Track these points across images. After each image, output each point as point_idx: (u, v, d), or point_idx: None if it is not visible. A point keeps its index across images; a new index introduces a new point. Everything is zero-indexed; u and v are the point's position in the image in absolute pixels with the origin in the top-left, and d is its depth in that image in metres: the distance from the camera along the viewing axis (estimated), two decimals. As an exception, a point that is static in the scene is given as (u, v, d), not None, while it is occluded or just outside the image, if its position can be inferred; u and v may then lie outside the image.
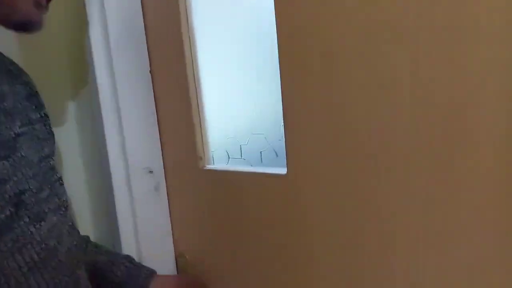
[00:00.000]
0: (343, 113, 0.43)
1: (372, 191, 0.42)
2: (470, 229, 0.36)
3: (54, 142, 0.54)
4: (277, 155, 0.53)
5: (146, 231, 0.67)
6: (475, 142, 0.35)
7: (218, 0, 0.60)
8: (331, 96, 0.44)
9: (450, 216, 0.37)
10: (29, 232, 0.43)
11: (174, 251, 0.71)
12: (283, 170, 0.50)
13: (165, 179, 0.69)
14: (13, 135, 0.44)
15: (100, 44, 0.63)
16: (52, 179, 0.50)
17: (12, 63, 0.52)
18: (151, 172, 0.68)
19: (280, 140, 0.51)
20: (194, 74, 0.62)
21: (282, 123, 0.49)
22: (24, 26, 0.49)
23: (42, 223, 0.44)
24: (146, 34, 0.66)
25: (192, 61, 0.62)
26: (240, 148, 0.59)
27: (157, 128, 0.68)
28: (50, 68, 0.68)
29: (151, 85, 0.67)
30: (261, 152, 0.56)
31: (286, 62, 0.47)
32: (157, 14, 0.65)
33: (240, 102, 0.59)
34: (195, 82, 0.62)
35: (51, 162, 0.51)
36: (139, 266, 0.63)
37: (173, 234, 0.71)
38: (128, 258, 0.63)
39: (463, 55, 0.34)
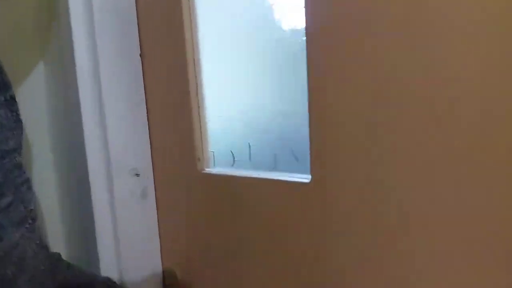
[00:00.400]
0: (378, 112, 0.34)
1: (412, 203, 0.33)
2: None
3: (22, 133, 0.43)
4: (297, 160, 0.44)
5: (129, 245, 0.56)
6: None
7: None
8: (364, 93, 0.35)
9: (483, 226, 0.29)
10: None
11: (162, 268, 0.60)
12: (305, 178, 0.41)
13: (154, 183, 0.59)
14: None
15: (81, 18, 0.52)
16: (17, 181, 0.39)
17: None
18: (137, 174, 0.57)
19: (301, 141, 0.42)
20: (194, 59, 0.52)
21: (306, 121, 0.39)
22: None
23: None
24: (137, 9, 0.55)
25: (193, 43, 0.52)
26: (249, 148, 0.49)
27: (146, 121, 0.57)
28: (18, 40, 0.57)
29: (141, 70, 0.56)
30: (275, 155, 0.46)
31: (316, 55, 0.38)
32: (152, 11, 0.54)
33: (249, 93, 0.49)
34: (194, 68, 0.52)
35: (17, 159, 0.40)
36: None
37: (161, 249, 0.60)
38: (107, 281, 0.52)
39: None
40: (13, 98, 0.43)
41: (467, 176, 0.33)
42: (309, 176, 0.41)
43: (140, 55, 0.57)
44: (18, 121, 0.43)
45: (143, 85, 0.56)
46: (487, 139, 0.31)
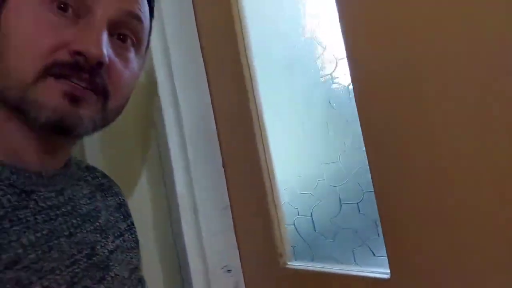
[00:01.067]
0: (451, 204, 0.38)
1: None
2: None
3: (139, 251, 0.53)
4: (374, 254, 0.48)
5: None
6: None
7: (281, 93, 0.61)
8: (432, 185, 0.39)
9: None
10: None
11: None
12: (385, 274, 0.44)
13: (244, 278, 0.65)
14: (107, 253, 0.44)
15: (173, 129, 0.65)
16: None
17: (104, 175, 0.54)
18: (229, 271, 0.65)
19: (376, 237, 0.46)
20: (268, 168, 0.61)
21: (378, 217, 0.44)
22: (57, 128, 0.37)
23: None
24: (217, 129, 0.68)
25: (266, 156, 0.61)
26: (326, 244, 0.54)
27: (232, 224, 0.66)
28: (126, 165, 0.72)
29: (224, 182, 0.67)
30: (353, 250, 0.50)
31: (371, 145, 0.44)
32: (227, 118, 0.67)
33: (325, 191, 0.56)
34: (269, 178, 0.61)
35: (139, 273, 0.50)
36: None
37: None
38: None
39: None
40: (132, 224, 0.54)
41: None
42: (388, 271, 0.44)
43: (223, 166, 0.68)
44: (136, 242, 0.53)
45: (227, 192, 0.67)
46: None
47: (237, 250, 0.66)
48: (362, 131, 0.46)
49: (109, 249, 0.45)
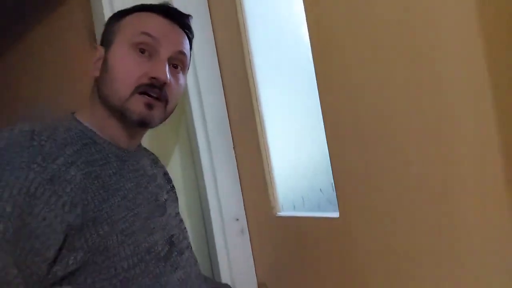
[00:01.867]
0: (383, 165, 0.65)
1: (415, 229, 0.55)
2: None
3: (178, 205, 0.81)
4: (330, 203, 0.75)
5: (236, 263, 0.91)
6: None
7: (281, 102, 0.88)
8: (369, 149, 0.66)
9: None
10: (178, 260, 0.68)
11: (257, 281, 0.93)
12: (336, 214, 0.72)
13: (248, 224, 0.94)
14: (164, 200, 0.72)
15: (203, 139, 0.93)
16: (182, 227, 0.76)
17: (152, 153, 0.82)
18: (237, 219, 0.93)
19: (332, 191, 0.73)
20: (265, 150, 0.89)
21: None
22: (140, 124, 0.64)
23: (183, 255, 0.70)
24: (230, 128, 0.95)
25: (264, 142, 0.89)
26: (303, 200, 0.82)
27: (240, 187, 0.94)
28: (169, 153, 0.99)
29: (234, 158, 0.95)
30: (318, 202, 0.78)
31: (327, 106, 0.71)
32: (235, 112, 0.94)
33: (301, 167, 0.84)
34: (266, 155, 0.88)
35: (180, 216, 0.78)
36: None
37: (255, 267, 0.93)
38: (228, 285, 0.86)
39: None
40: (173, 186, 0.80)
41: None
42: (338, 213, 0.71)
43: (233, 148, 0.95)
44: (176, 197, 0.80)
45: (236, 167, 0.94)
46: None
47: (243, 205, 0.94)
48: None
49: (164, 198, 0.73)
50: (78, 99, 0.91)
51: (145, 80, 0.64)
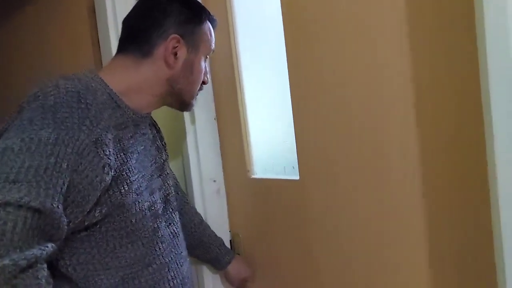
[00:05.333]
0: (343, 132, 0.79)
1: (367, 193, 0.73)
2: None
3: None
4: (293, 168, 0.90)
5: (211, 218, 1.06)
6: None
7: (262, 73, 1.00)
8: (330, 117, 0.81)
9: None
10: (172, 216, 0.79)
11: (231, 232, 1.09)
12: (296, 177, 0.87)
13: (224, 185, 1.08)
14: (162, 161, 0.82)
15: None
16: (174, 185, 0.89)
17: (154, 121, 0.91)
18: (214, 181, 1.07)
19: (295, 156, 0.88)
20: (245, 121, 1.02)
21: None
22: (187, 107, 0.79)
23: (176, 212, 0.81)
24: (214, 100, 1.07)
25: (244, 113, 1.01)
26: (272, 165, 0.97)
27: (219, 153, 1.08)
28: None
29: (216, 126, 1.07)
30: (284, 167, 0.93)
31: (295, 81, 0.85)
32: (220, 84, 1.05)
33: (273, 136, 0.97)
34: (245, 125, 1.01)
35: (174, 175, 0.91)
36: (225, 252, 0.97)
37: (229, 221, 1.09)
38: (220, 243, 0.99)
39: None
40: (165, 143, 0.94)
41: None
42: (298, 176, 0.86)
43: (215, 119, 1.08)
44: (168, 155, 0.94)
45: (217, 135, 1.07)
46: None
47: (221, 168, 1.08)
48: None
49: (163, 159, 0.83)
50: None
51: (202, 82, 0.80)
